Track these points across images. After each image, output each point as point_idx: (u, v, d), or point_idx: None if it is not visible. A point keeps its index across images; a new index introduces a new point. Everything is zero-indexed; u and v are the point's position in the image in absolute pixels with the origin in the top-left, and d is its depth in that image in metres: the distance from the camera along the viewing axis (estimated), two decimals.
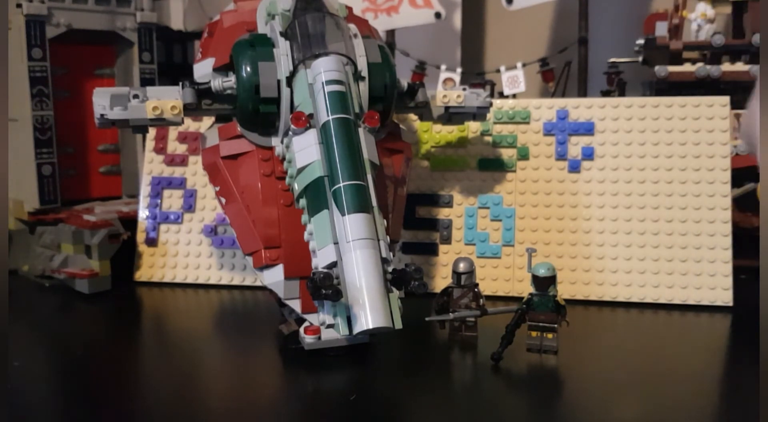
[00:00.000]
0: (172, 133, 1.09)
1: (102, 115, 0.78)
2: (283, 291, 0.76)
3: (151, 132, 1.08)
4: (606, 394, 0.68)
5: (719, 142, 0.97)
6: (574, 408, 0.65)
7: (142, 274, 1.04)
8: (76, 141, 1.18)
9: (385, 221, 0.72)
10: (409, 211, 0.99)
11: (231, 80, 0.79)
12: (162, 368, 0.77)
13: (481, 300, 0.80)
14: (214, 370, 0.77)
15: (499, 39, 1.73)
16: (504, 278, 0.98)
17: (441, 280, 0.98)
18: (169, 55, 1.40)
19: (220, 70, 0.82)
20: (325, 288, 0.65)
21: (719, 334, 0.87)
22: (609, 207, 0.97)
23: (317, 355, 0.75)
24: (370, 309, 0.65)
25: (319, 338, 0.75)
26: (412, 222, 1.01)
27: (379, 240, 0.69)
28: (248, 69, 0.77)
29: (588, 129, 1.00)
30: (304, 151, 0.74)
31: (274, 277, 0.77)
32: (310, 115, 0.75)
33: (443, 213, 1.01)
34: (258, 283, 1.00)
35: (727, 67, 1.13)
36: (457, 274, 0.80)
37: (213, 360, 0.80)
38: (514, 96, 1.39)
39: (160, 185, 1.07)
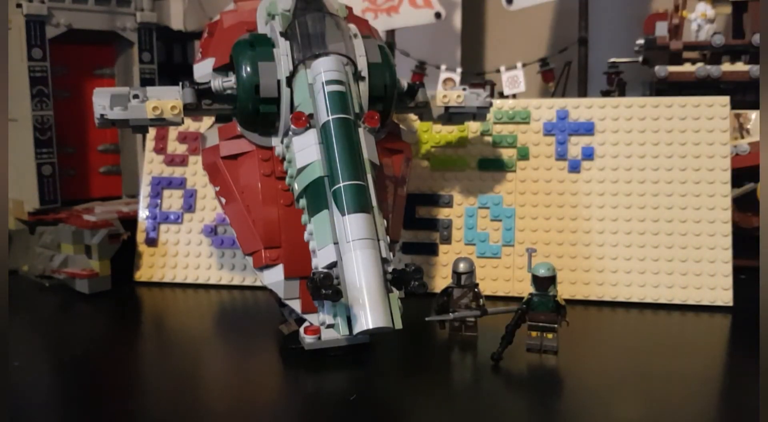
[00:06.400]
0: (172, 133, 1.09)
1: (102, 115, 0.78)
2: (283, 291, 0.76)
3: (151, 132, 1.08)
4: (606, 394, 0.68)
5: (719, 142, 0.97)
6: (574, 408, 0.65)
7: (142, 274, 1.04)
8: (76, 141, 1.18)
9: (385, 221, 0.72)
10: (409, 210, 0.99)
11: (231, 80, 0.79)
12: (162, 368, 0.77)
13: (481, 300, 0.80)
14: (214, 370, 0.77)
15: (499, 39, 1.73)
16: (504, 278, 0.98)
17: (441, 280, 0.98)
18: (169, 55, 1.39)
19: (220, 70, 0.81)
20: (325, 288, 0.65)
21: (719, 334, 0.87)
22: (609, 207, 0.97)
23: (317, 355, 0.75)
24: (370, 309, 0.65)
25: (319, 338, 0.75)
26: (412, 222, 1.01)
27: (379, 240, 0.69)
28: (248, 69, 0.77)
29: (588, 129, 1.00)
30: (304, 151, 0.74)
31: (274, 277, 0.77)
32: (310, 115, 0.75)
33: (443, 213, 1.01)
34: (258, 283, 1.00)
35: (727, 67, 1.13)
36: (457, 274, 0.80)
37: (213, 360, 0.80)
38: (514, 96, 1.39)
39: (160, 185, 1.07)
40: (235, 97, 0.79)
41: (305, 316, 0.76)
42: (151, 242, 1.05)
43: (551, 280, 0.74)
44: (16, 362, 0.75)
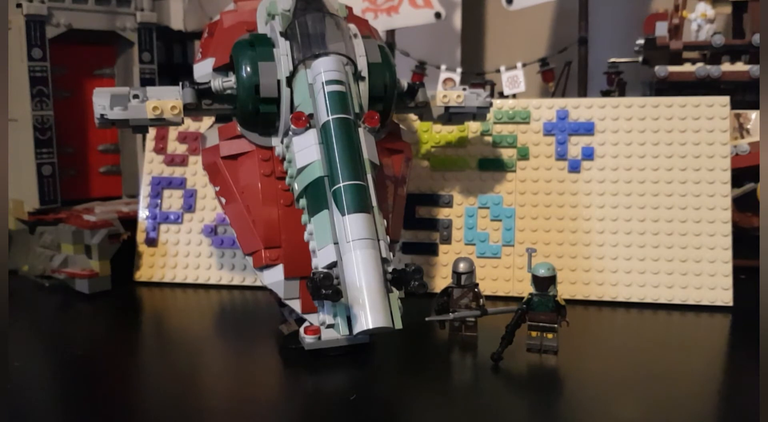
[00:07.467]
0: (172, 133, 1.09)
1: (102, 115, 0.78)
2: (283, 291, 0.76)
3: (151, 132, 1.08)
4: (606, 394, 0.68)
5: (719, 142, 0.97)
6: (574, 408, 0.65)
7: (142, 274, 1.04)
8: (76, 141, 1.18)
9: (385, 221, 0.72)
10: (409, 210, 0.99)
11: (231, 80, 0.79)
12: (162, 368, 0.77)
13: (481, 300, 0.80)
14: (214, 370, 0.77)
15: (499, 39, 1.73)
16: (504, 278, 0.98)
17: (441, 280, 0.98)
18: (169, 55, 1.39)
19: (220, 70, 0.82)
20: (325, 288, 0.65)
21: (719, 334, 0.87)
22: (609, 207, 0.97)
23: (317, 355, 0.75)
24: (370, 309, 0.65)
25: (319, 338, 0.75)
26: (412, 222, 1.01)
27: (379, 240, 0.69)
28: (248, 69, 0.77)
29: (588, 129, 1.00)
30: (304, 151, 0.74)
31: (274, 277, 0.77)
32: (310, 115, 0.75)
33: (443, 213, 1.01)
34: (258, 283, 1.00)
35: (727, 67, 1.13)
36: (457, 274, 0.80)
37: (213, 360, 0.80)
38: (514, 96, 1.39)
39: (160, 185, 1.07)
40: (235, 97, 0.79)
41: (305, 316, 0.76)
42: (151, 242, 1.05)
43: (551, 280, 0.74)
44: (16, 362, 0.75)
